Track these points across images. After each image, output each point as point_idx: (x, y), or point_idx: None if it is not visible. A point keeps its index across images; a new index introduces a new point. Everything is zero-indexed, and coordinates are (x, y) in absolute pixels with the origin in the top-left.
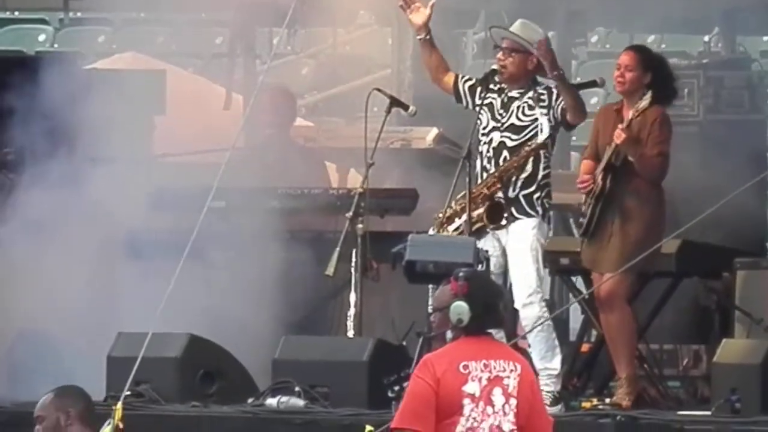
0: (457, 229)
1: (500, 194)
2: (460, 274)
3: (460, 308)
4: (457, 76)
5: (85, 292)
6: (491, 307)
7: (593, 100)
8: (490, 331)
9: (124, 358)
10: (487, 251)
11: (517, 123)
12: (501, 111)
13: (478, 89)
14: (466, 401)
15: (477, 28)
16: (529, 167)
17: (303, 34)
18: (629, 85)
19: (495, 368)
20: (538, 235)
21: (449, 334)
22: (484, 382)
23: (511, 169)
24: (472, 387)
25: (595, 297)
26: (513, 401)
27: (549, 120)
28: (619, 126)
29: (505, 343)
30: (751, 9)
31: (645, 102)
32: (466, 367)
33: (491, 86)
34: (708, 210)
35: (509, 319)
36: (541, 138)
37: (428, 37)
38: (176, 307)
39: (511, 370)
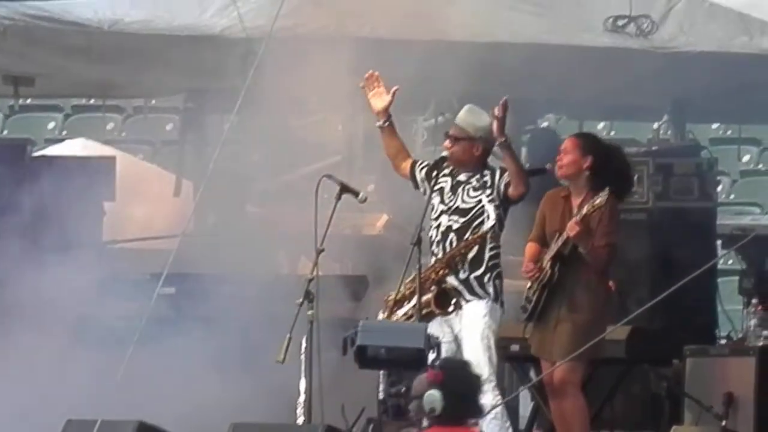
0: (405, 314)
1: (451, 278)
2: (437, 362)
3: (433, 397)
4: (413, 163)
5: (33, 379)
6: (465, 398)
7: None
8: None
9: None
10: (437, 337)
11: (462, 205)
12: (449, 194)
13: (433, 173)
14: None
15: (427, 115)
16: (474, 249)
17: (253, 121)
18: (566, 168)
19: None
20: (489, 321)
21: (425, 422)
22: None
23: (457, 255)
24: None
25: (546, 384)
26: None
27: (493, 201)
28: (574, 219)
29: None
30: (700, 97)
31: (601, 199)
32: None
33: (443, 171)
34: (658, 297)
35: None
36: (487, 225)
37: (387, 123)
38: (126, 394)
39: None
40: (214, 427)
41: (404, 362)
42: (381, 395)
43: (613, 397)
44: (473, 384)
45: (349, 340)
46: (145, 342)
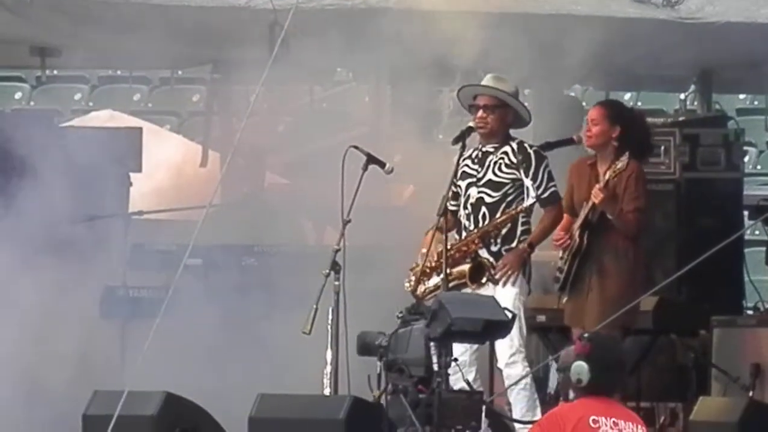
0: (436, 284)
1: (482, 251)
2: (585, 335)
3: (580, 368)
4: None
5: (60, 349)
6: (611, 370)
7: None
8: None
9: (100, 416)
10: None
11: (495, 179)
12: (475, 166)
13: (458, 166)
14: None
15: (453, 86)
16: (508, 224)
17: (280, 92)
18: (595, 138)
19: (624, 429)
20: (519, 293)
21: (571, 394)
22: None
23: (492, 230)
24: None
25: None
26: None
27: (533, 183)
28: (597, 185)
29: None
30: (727, 67)
31: (621, 163)
32: (596, 421)
33: (464, 160)
34: (684, 268)
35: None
36: (527, 202)
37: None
38: (152, 365)
39: None
40: (241, 398)
41: (491, 334)
42: (435, 367)
43: (639, 367)
44: (620, 357)
45: (436, 312)
46: (172, 313)
